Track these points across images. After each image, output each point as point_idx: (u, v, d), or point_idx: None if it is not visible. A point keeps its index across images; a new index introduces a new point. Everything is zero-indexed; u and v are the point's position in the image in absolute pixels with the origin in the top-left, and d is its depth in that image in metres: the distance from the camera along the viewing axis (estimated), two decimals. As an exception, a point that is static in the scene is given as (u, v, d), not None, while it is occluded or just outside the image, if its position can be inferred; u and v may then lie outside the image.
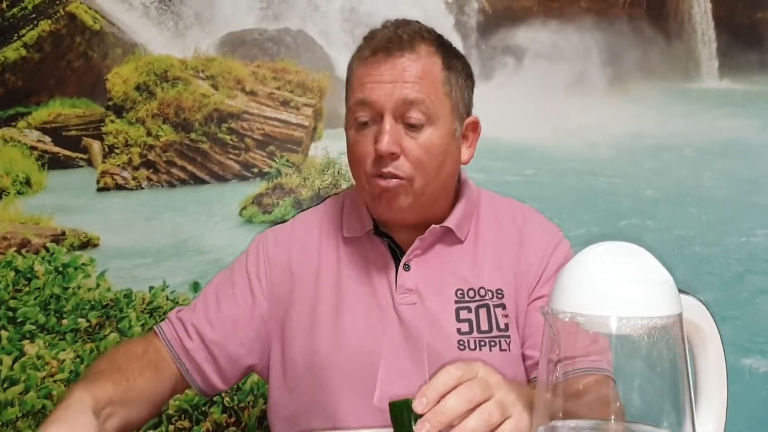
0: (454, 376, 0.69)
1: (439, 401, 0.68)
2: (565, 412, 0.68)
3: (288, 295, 1.12)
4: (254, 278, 1.14)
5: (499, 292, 1.09)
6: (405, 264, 1.10)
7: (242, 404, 1.93)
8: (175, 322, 1.13)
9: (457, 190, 1.14)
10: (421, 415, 0.68)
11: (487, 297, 1.09)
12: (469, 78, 1.11)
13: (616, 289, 0.64)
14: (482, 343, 1.07)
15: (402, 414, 0.69)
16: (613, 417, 0.69)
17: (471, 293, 1.09)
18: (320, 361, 1.09)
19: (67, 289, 1.91)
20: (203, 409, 1.92)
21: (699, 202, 1.93)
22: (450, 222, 1.10)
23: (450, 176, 1.09)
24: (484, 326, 1.07)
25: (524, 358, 1.10)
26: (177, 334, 1.12)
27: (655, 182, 1.96)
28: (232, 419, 1.93)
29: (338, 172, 1.97)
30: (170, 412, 1.90)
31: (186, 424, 1.92)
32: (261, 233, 1.21)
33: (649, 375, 0.68)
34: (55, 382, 1.85)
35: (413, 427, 0.68)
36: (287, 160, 1.97)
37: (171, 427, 1.90)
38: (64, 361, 1.88)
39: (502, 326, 1.08)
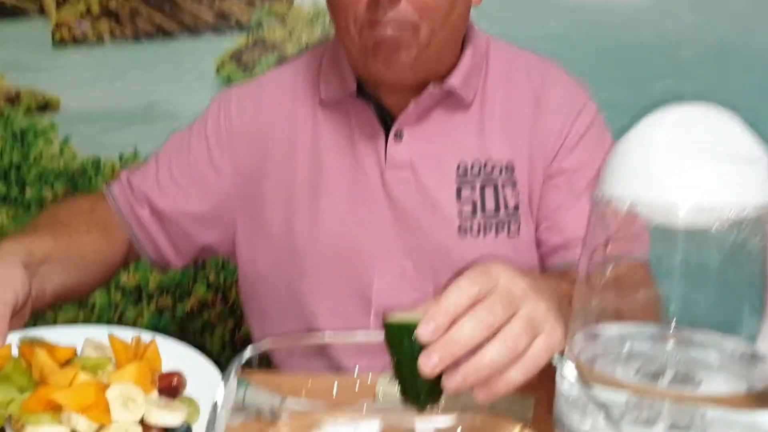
0: (469, 294, 0.53)
1: (450, 326, 0.52)
2: (611, 313, 0.56)
3: (257, 169, 0.95)
4: (214, 146, 0.96)
5: (509, 166, 0.91)
6: (397, 132, 0.90)
7: (228, 281, 1.80)
8: (125, 183, 0.99)
9: (463, 38, 0.92)
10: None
11: (494, 172, 0.91)
12: None
13: (693, 168, 0.48)
14: (487, 227, 0.90)
15: (402, 339, 0.53)
16: (673, 321, 0.56)
17: (475, 168, 0.90)
18: (296, 248, 0.94)
19: (27, 156, 1.74)
20: (186, 286, 1.79)
21: (746, 62, 1.69)
22: (454, 79, 0.89)
23: (461, 22, 0.88)
24: (490, 207, 0.91)
25: (539, 243, 0.93)
26: (127, 196, 0.98)
27: (695, 38, 1.70)
28: (218, 296, 1.81)
29: (330, 24, 1.71)
30: (151, 289, 1.77)
31: (168, 301, 1.80)
32: (223, 92, 1.03)
33: (727, 278, 0.53)
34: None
35: (415, 356, 0.52)
36: (270, 9, 1.70)
37: (152, 305, 1.78)
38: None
39: (511, 207, 0.91)
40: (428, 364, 0.51)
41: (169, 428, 0.59)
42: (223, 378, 0.53)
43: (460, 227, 0.89)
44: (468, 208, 0.90)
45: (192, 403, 0.63)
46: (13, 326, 0.71)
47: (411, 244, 0.91)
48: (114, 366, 0.65)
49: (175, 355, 0.69)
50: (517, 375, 0.53)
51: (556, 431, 0.57)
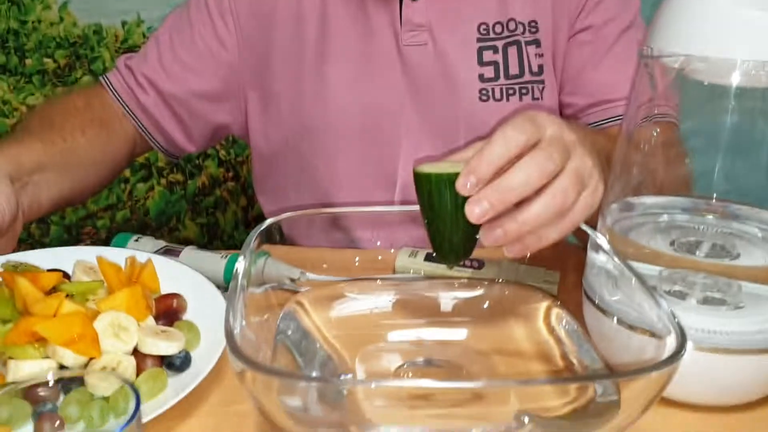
0: (516, 143, 0.47)
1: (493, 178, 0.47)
2: (650, 181, 0.54)
3: (264, 39, 0.89)
4: (217, 17, 0.90)
5: (533, 24, 0.85)
6: (412, -11, 0.84)
7: (240, 158, 1.78)
8: (125, 71, 0.92)
9: None
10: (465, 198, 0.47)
11: (517, 31, 0.85)
12: None
13: (755, 20, 0.42)
14: (510, 92, 0.85)
15: (440, 190, 0.48)
16: (714, 193, 0.53)
17: (498, 28, 0.85)
18: (306, 121, 0.89)
19: (25, 23, 1.66)
20: (197, 162, 1.77)
21: None
22: None
23: None
24: (514, 70, 0.85)
25: (564, 106, 0.89)
26: (128, 85, 0.91)
27: None
28: (230, 174, 1.79)
29: None
30: (160, 164, 1.75)
31: (179, 177, 1.78)
32: None
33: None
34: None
35: (453, 208, 0.48)
36: None
37: (163, 181, 1.77)
38: (33, 106, 1.69)
39: (535, 69, 0.86)
40: (476, 212, 0.46)
41: (166, 356, 0.54)
42: (242, 248, 0.51)
43: (481, 92, 0.85)
44: (490, 72, 0.85)
45: (192, 329, 0.57)
46: (1, 249, 0.67)
47: (428, 112, 0.86)
48: (106, 291, 0.59)
49: (175, 275, 0.63)
50: (555, 232, 0.49)
51: (584, 303, 0.55)
